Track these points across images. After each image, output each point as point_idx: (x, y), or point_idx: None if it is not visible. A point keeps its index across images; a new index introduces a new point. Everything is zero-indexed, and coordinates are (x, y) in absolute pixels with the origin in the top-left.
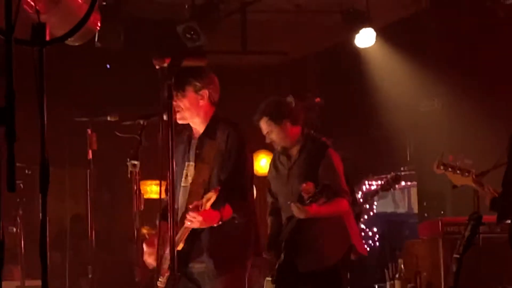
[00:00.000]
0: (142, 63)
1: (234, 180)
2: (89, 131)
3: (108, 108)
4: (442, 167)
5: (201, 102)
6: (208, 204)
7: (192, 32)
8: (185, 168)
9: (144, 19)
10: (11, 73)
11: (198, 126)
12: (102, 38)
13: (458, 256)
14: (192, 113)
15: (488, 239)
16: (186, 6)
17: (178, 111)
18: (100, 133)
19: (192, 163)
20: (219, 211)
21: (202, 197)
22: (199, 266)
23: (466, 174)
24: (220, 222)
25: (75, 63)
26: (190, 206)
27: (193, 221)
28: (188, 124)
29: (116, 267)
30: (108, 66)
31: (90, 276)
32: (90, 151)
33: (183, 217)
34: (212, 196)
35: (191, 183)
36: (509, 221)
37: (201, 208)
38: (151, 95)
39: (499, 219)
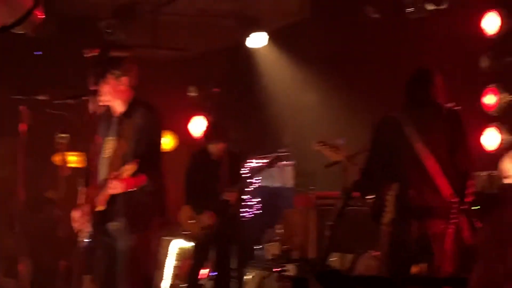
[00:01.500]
0: (72, 51)
1: (149, 153)
2: (22, 107)
3: (41, 88)
4: (320, 144)
5: (121, 87)
6: (126, 174)
7: (111, 28)
8: (106, 142)
9: (73, 14)
10: None
11: (119, 107)
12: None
13: (332, 223)
14: (113, 96)
15: (353, 210)
16: (108, 5)
17: (102, 95)
18: (32, 110)
19: (112, 138)
20: (135, 178)
21: (121, 168)
22: (115, 225)
23: (339, 151)
24: (135, 188)
25: (11, 50)
26: (111, 176)
27: (114, 188)
28: (110, 105)
29: (41, 224)
30: (40, 52)
31: (17, 230)
32: (23, 125)
33: (104, 184)
34: (131, 168)
35: (111, 155)
36: (370, 197)
37: (121, 176)
38: (78, 79)
39: (362, 196)
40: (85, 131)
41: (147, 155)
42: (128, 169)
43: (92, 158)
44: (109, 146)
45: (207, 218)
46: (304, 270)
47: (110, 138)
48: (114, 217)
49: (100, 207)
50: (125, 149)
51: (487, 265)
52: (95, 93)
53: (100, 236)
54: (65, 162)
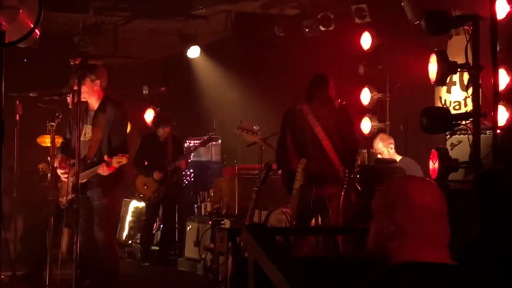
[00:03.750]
0: (53, 59)
1: (122, 141)
2: (17, 102)
3: (32, 87)
4: (240, 130)
5: (95, 88)
6: (118, 164)
7: (83, 41)
8: (84, 129)
9: (52, 30)
10: None
11: (94, 103)
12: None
13: (256, 189)
14: (89, 95)
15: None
16: (80, 25)
17: (82, 93)
18: (25, 104)
19: (89, 126)
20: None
21: (98, 149)
22: (92, 192)
23: (255, 134)
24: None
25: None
26: (106, 160)
27: (103, 171)
28: (87, 101)
29: (35, 190)
30: (25, 60)
31: (14, 195)
32: (17, 115)
33: (85, 159)
34: (123, 160)
35: (89, 140)
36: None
37: (111, 164)
38: (62, 80)
39: (278, 168)
40: (67, 120)
41: (121, 142)
42: (120, 161)
43: (77, 142)
44: (87, 132)
45: (156, 176)
46: (237, 223)
47: (88, 126)
48: (92, 185)
49: (85, 180)
50: (100, 136)
51: (380, 224)
52: (75, 91)
53: (82, 199)
54: (54, 143)
